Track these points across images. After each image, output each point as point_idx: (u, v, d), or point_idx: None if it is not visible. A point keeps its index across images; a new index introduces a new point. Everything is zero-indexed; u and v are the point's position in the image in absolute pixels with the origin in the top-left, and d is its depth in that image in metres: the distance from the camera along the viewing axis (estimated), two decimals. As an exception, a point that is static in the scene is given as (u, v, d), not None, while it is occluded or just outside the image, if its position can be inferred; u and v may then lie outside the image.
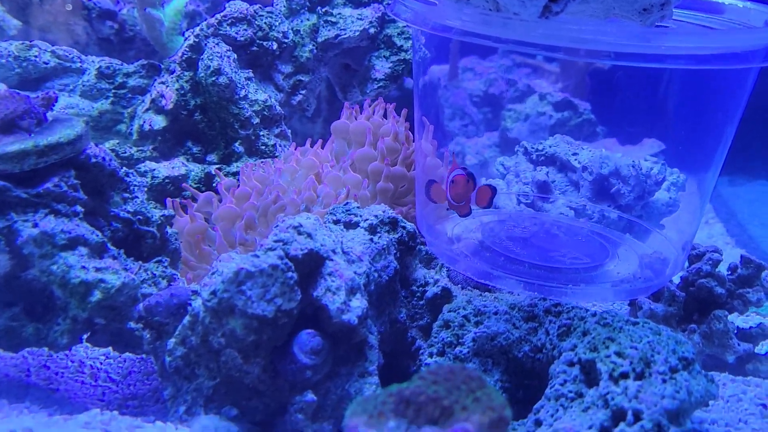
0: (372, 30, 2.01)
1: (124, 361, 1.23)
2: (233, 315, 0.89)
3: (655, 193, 1.78)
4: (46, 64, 1.88)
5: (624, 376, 0.81)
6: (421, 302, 1.17)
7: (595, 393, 0.82)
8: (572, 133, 3.23)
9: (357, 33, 1.97)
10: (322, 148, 1.53)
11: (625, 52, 0.95)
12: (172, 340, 0.97)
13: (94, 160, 1.05)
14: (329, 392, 0.95)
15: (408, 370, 1.13)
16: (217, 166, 1.62)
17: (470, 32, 0.99)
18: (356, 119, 1.46)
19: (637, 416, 0.76)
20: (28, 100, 1.01)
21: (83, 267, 0.95)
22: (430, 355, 1.03)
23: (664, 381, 0.80)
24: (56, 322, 0.97)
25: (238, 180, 1.48)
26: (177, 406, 0.97)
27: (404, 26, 2.14)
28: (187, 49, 1.71)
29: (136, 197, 1.12)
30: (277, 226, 1.04)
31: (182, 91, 1.72)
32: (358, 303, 0.95)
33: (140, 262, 1.09)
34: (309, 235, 0.99)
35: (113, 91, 1.93)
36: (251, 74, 1.78)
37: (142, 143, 1.74)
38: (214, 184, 1.56)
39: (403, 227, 1.17)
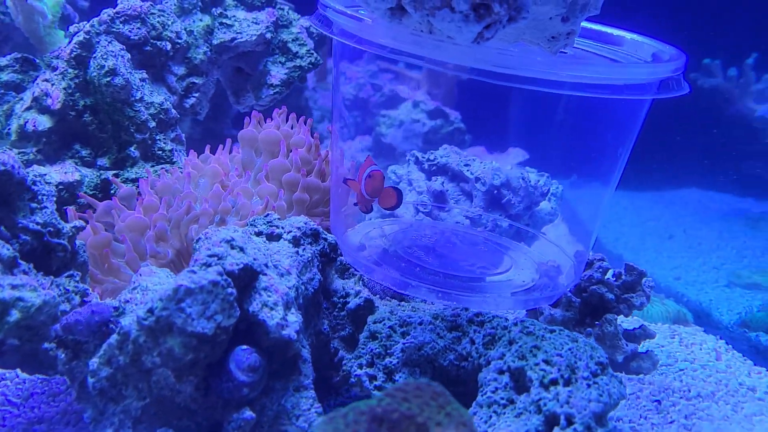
0: (268, 35, 1.99)
1: (23, 383, 1.16)
2: (171, 333, 0.87)
3: (540, 203, 1.90)
4: None
5: (554, 382, 0.87)
6: (343, 313, 1.18)
7: (527, 399, 0.88)
8: (444, 140, 3.37)
9: (254, 37, 1.95)
10: (220, 154, 1.50)
11: (546, 79, 1.01)
12: (96, 360, 0.93)
13: (2, 167, 0.97)
14: (265, 408, 0.94)
15: (331, 380, 1.15)
16: (114, 172, 1.55)
17: (401, 51, 1.03)
18: (254, 128, 1.45)
19: (570, 420, 0.83)
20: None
21: (-2, 285, 0.88)
22: (360, 366, 1.05)
23: (588, 386, 0.87)
24: (-35, 344, 0.90)
25: (138, 188, 1.42)
26: (102, 429, 0.92)
27: (298, 32, 2.14)
28: (76, 46, 1.62)
29: (46, 207, 1.05)
30: (207, 238, 1.02)
31: (70, 90, 1.62)
32: (295, 318, 0.95)
33: (51, 277, 1.02)
34: (241, 249, 0.98)
35: (-17, 85, 1.79)
36: (145, 75, 1.71)
37: (23, 145, 1.62)
38: (112, 192, 1.49)
39: (325, 239, 1.18)
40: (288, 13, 2.15)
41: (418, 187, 2.03)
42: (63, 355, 1.00)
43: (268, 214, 1.17)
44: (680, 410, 1.12)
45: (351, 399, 1.08)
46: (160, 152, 1.65)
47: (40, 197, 1.05)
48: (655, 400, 1.14)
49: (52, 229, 1.04)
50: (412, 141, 3.50)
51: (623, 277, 1.43)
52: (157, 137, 1.65)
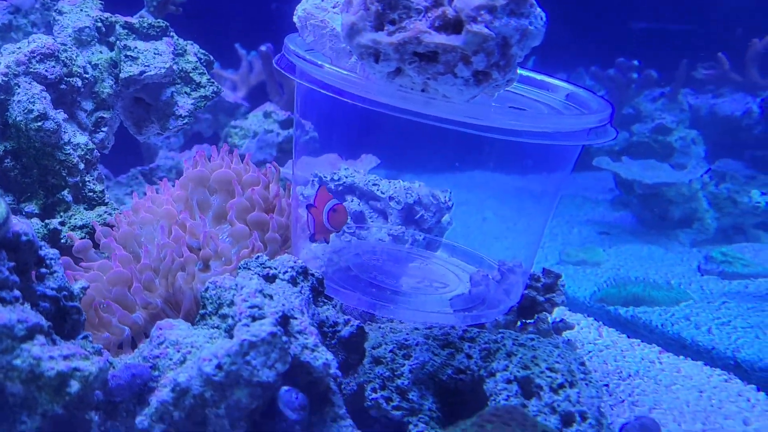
0: (175, 66, 1.98)
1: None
2: (239, 386, 0.92)
3: (444, 216, 2.08)
4: None
5: (562, 386, 1.04)
6: (334, 341, 1.27)
7: (540, 403, 1.04)
8: (303, 149, 3.47)
9: (163, 70, 1.93)
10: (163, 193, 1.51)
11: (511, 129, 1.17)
12: (144, 419, 0.95)
13: (24, 238, 0.95)
14: (310, 440, 1.01)
15: (332, 405, 1.23)
16: (59, 220, 1.48)
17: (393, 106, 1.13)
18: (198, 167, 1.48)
19: (584, 416, 1.00)
20: (-56, 177, 0.89)
21: (51, 357, 0.88)
22: (374, 390, 1.15)
23: (587, 385, 1.05)
24: (20, 420, 0.88)
25: (96, 237, 1.40)
26: (160, 483, 0.95)
27: (196, 62, 2.14)
28: (-6, 90, 1.52)
29: (56, 271, 1.03)
30: (222, 288, 1.06)
31: (-12, 135, 1.53)
32: (331, 356, 1.03)
33: (72, 341, 1.01)
34: (271, 297, 1.05)
35: None
36: (64, 115, 1.65)
37: (-64, 194, 1.50)
38: (63, 241, 1.43)
39: (312, 275, 1.26)
40: (180, 41, 2.13)
41: (329, 209, 2.12)
42: (97, 417, 0.99)
43: (258, 256, 1.22)
44: (623, 390, 1.35)
45: (373, 421, 1.17)
46: (92, 194, 1.60)
47: (48, 261, 1.03)
48: (605, 384, 1.36)
49: (66, 293, 1.03)
50: (266, 151, 3.55)
51: (542, 279, 1.65)
52: (87, 179, 1.60)
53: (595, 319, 1.93)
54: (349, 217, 1.38)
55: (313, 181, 2.27)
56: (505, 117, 1.15)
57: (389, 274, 1.52)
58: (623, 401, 1.31)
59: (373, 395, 1.14)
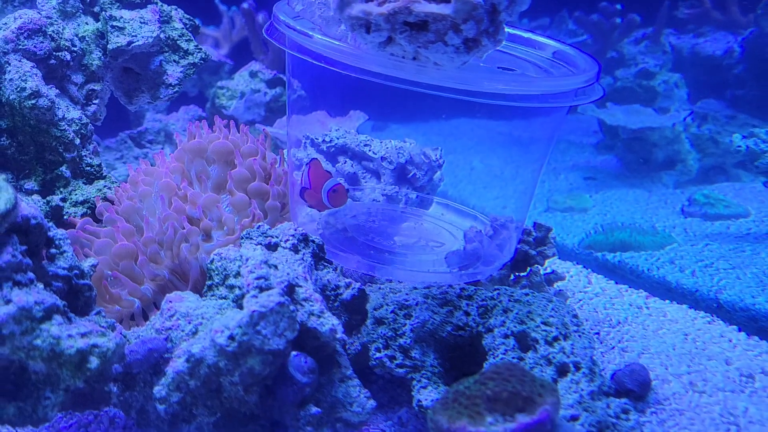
0: (162, 35, 1.96)
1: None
2: (251, 354, 0.95)
3: (436, 173, 2.10)
4: None
5: (557, 339, 1.09)
6: (336, 304, 1.30)
7: (536, 355, 1.09)
8: (292, 108, 3.47)
9: (151, 39, 1.91)
10: (159, 165, 1.52)
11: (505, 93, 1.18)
12: (162, 388, 0.99)
13: (34, 221, 0.97)
14: (320, 402, 1.06)
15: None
16: (61, 197, 1.49)
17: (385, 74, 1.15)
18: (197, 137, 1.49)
19: (578, 366, 1.04)
20: (-48, 167, 0.90)
21: (69, 336, 0.91)
22: (378, 350, 1.19)
23: (580, 336, 1.09)
24: (44, 396, 0.91)
25: (97, 212, 1.41)
26: (180, 448, 0.99)
27: (182, 29, 2.12)
28: (-15, 68, 1.51)
29: (66, 251, 1.05)
30: (227, 259, 1.09)
31: (-18, 114, 1.53)
32: (337, 321, 1.07)
33: (87, 318, 1.04)
34: (276, 267, 1.07)
35: None
36: (57, 90, 1.64)
37: (-64, 175, 1.51)
38: (65, 218, 1.45)
39: (313, 241, 1.29)
40: (165, 7, 2.10)
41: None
42: (116, 389, 1.03)
43: (259, 226, 1.25)
44: (613, 337, 1.40)
45: (377, 378, 1.22)
46: (89, 168, 1.61)
47: (58, 242, 1.05)
48: (595, 333, 1.41)
49: (77, 272, 1.05)
50: (254, 111, 3.54)
51: (534, 233, 1.68)
52: (83, 153, 1.61)
53: (584, 267, 1.97)
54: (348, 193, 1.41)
55: (304, 143, 2.28)
56: (494, 82, 1.17)
57: (385, 235, 1.55)
58: (613, 348, 1.36)
59: (377, 354, 1.18)
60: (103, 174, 1.62)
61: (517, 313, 1.14)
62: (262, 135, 1.57)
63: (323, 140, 2.23)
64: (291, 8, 1.35)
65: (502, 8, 1.03)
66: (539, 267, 1.60)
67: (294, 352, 1.03)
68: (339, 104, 2.36)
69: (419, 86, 1.14)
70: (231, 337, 0.94)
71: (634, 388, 1.14)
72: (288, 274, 1.07)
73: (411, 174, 2.02)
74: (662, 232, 2.10)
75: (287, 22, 1.26)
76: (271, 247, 1.23)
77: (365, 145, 2.13)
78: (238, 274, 1.06)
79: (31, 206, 0.98)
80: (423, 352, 1.19)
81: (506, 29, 1.16)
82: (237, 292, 1.05)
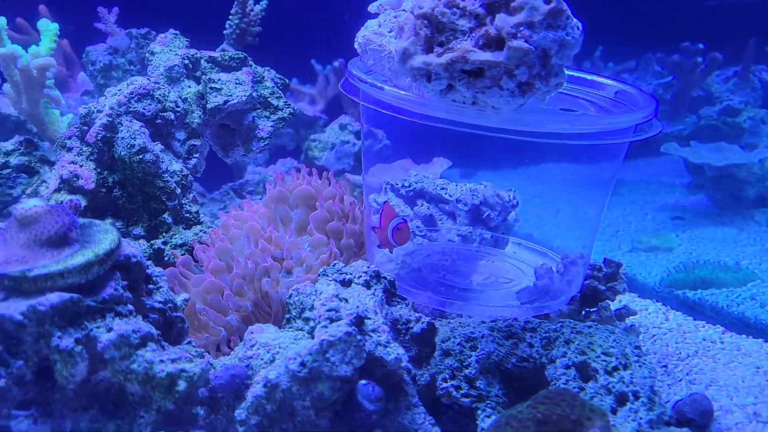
0: (254, 94, 2.11)
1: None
2: (321, 380, 1.00)
3: (510, 213, 2.11)
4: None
5: (616, 369, 1.08)
6: (407, 337, 1.34)
7: (596, 385, 1.08)
8: (374, 157, 3.55)
9: (244, 98, 2.06)
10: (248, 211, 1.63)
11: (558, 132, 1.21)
12: (242, 411, 1.05)
13: (134, 260, 1.07)
14: (387, 428, 1.09)
15: (409, 395, 1.30)
16: (162, 240, 1.63)
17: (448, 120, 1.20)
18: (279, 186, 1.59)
19: (637, 395, 1.03)
20: (66, 211, 1.02)
21: (161, 361, 0.99)
22: (444, 380, 1.21)
23: (640, 366, 1.08)
24: (139, 415, 1.00)
25: (193, 251, 1.53)
26: (258, 467, 1.04)
27: (273, 87, 2.26)
28: (101, 129, 1.68)
29: (161, 287, 1.15)
30: (304, 293, 1.15)
31: (99, 170, 1.69)
32: (402, 350, 1.11)
33: (179, 346, 1.13)
34: (346, 300, 1.13)
35: (-3, 171, 1.81)
36: (161, 146, 1.79)
37: (59, 223, 1.67)
38: (166, 259, 1.57)
39: (385, 278, 1.34)
40: (258, 69, 2.26)
41: (402, 212, 2.20)
42: (203, 412, 1.10)
43: (335, 263, 1.31)
44: (681, 370, 1.36)
45: (446, 408, 1.24)
46: (188, 215, 1.74)
47: (155, 278, 1.15)
48: (663, 366, 1.37)
49: (171, 305, 1.15)
50: (344, 161, 3.65)
51: (604, 269, 1.66)
52: (183, 202, 1.74)
53: (663, 304, 1.92)
54: (411, 234, 1.46)
55: (385, 188, 2.36)
56: (552, 122, 1.20)
57: (458, 273, 1.59)
58: (681, 380, 1.32)
59: (444, 384, 1.20)
60: (200, 220, 1.75)
61: (578, 345, 1.14)
62: (342, 181, 1.65)
63: (402, 185, 2.30)
64: (363, 63, 1.43)
65: (552, 53, 1.06)
66: (609, 302, 1.58)
67: (363, 381, 1.08)
68: (423, 152, 2.43)
69: (480, 129, 1.19)
70: (302, 364, 1.00)
71: (694, 417, 1.10)
72: (357, 307, 1.12)
73: (485, 215, 2.04)
74: (745, 269, 2.02)
75: (360, 76, 1.34)
76: (345, 283, 1.28)
77: (441, 188, 2.18)
78: (312, 307, 1.12)
79: (132, 246, 1.09)
80: (488, 382, 1.20)
81: (566, 72, 1.20)
82: (311, 324, 1.11)
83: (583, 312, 1.61)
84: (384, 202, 1.56)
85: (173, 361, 1.00)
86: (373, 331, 1.10)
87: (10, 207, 1.76)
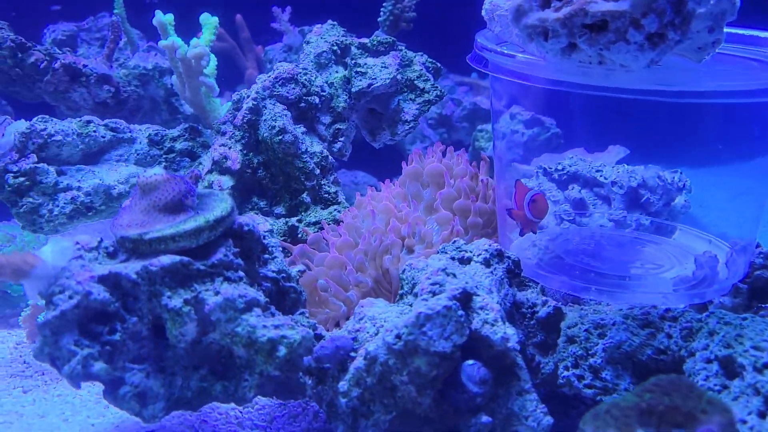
0: (399, 76, 2.11)
1: (263, 408, 1.29)
2: (417, 354, 0.97)
3: (676, 198, 1.92)
4: (103, 137, 1.92)
5: (767, 366, 0.92)
6: (533, 322, 1.26)
7: (742, 383, 0.93)
8: (542, 146, 3.40)
9: (388, 81, 2.07)
10: (385, 191, 1.62)
11: (707, 90, 1.07)
12: (345, 383, 1.04)
13: (246, 228, 1.11)
14: (495, 412, 1.03)
15: (532, 383, 1.22)
16: (297, 218, 1.69)
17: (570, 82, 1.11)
18: (418, 163, 1.56)
19: (792, 398, 0.87)
20: (184, 180, 1.08)
21: (264, 326, 1.01)
22: (566, 368, 1.12)
23: (801, 366, 0.91)
24: (243, 378, 1.03)
25: (323, 229, 1.56)
26: (358, 441, 1.04)
27: (421, 70, 2.25)
28: (247, 112, 1.78)
29: (276, 257, 1.18)
30: (416, 269, 1.12)
31: (245, 151, 1.79)
32: (512, 330, 1.04)
33: (290, 316, 1.15)
34: (454, 275, 1.08)
35: (164, 156, 1.98)
36: (304, 128, 1.85)
37: (211, 202, 1.79)
38: (299, 235, 1.63)
39: (509, 257, 1.27)
40: (407, 53, 2.26)
41: (553, 197, 2.09)
42: (310, 381, 1.12)
43: (455, 241, 1.27)
44: None
45: (562, 398, 1.15)
46: (327, 195, 1.78)
47: (270, 249, 1.19)
48: None
49: (285, 275, 1.17)
50: (513, 151, 3.53)
51: (782, 260, 1.44)
52: (323, 182, 1.79)
53: None
54: (550, 205, 1.36)
55: (537, 172, 2.25)
56: (687, 78, 1.06)
57: (600, 258, 1.46)
58: None
59: (565, 373, 1.11)
60: (339, 200, 1.78)
61: (723, 336, 0.99)
62: (465, 156, 1.59)
63: (555, 169, 2.18)
64: (493, 33, 1.37)
65: (687, -3, 0.93)
66: (786, 297, 1.36)
67: (470, 361, 1.02)
68: (596, 139, 2.29)
69: (609, 91, 1.08)
70: (398, 336, 0.97)
71: None
72: (467, 283, 1.07)
73: (644, 198, 1.87)
74: None
75: (485, 45, 1.28)
76: (464, 261, 1.23)
77: (597, 171, 2.04)
78: (420, 282, 1.09)
79: (247, 216, 1.13)
80: (617, 374, 1.09)
81: (725, 29, 1.06)
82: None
83: (754, 308, 1.42)
84: (516, 181, 1.49)
85: (276, 327, 1.02)
86: (482, 308, 1.04)
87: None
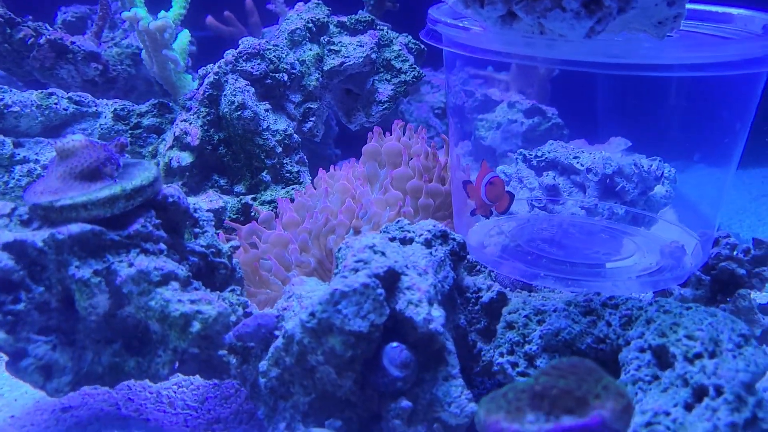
0: (373, 55, 2.07)
1: (198, 388, 1.26)
2: (332, 333, 0.93)
3: (654, 187, 1.86)
4: (66, 110, 1.89)
5: (698, 356, 0.88)
6: (477, 307, 1.22)
7: (672, 374, 0.89)
8: (543, 136, 3.34)
9: (360, 59, 2.03)
10: (344, 170, 1.58)
11: (658, 63, 1.02)
12: (265, 362, 1.01)
13: (171, 199, 1.08)
14: (418, 397, 0.99)
15: (472, 371, 1.19)
16: (252, 196, 1.66)
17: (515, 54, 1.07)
18: (377, 142, 1.52)
19: (719, 390, 0.83)
20: (106, 147, 1.05)
21: (179, 300, 0.98)
22: (501, 354, 1.08)
23: (734, 357, 0.87)
24: (157, 354, 1.00)
25: (277, 209, 1.52)
26: (276, 423, 1.01)
27: (400, 50, 2.21)
28: (208, 87, 1.75)
29: (207, 231, 1.15)
30: (350, 247, 1.08)
31: (206, 127, 1.76)
32: (438, 312, 1.00)
33: (217, 292, 1.12)
34: (383, 253, 1.04)
35: (130, 131, 1.96)
36: (268, 106, 1.82)
37: (170, 180, 1.76)
38: (252, 214, 1.60)
39: (453, 239, 1.22)
40: (388, 33, 2.21)
41: (529, 184, 2.04)
42: (234, 360, 1.09)
43: (399, 220, 1.23)
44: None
45: (496, 386, 1.11)
46: (288, 174, 1.75)
47: (201, 222, 1.15)
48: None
49: (214, 250, 1.14)
50: (511, 141, 3.49)
51: (752, 251, 1.39)
52: (285, 161, 1.75)
53: None
54: (506, 188, 1.31)
55: (516, 158, 2.20)
56: (642, 49, 1.01)
57: (557, 245, 1.42)
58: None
59: (500, 359, 1.07)
60: (300, 180, 1.75)
61: (659, 324, 0.95)
62: (422, 133, 1.54)
63: (534, 155, 2.14)
64: (447, 4, 1.32)
65: (624, -39, 0.89)
66: (748, 291, 1.31)
67: (393, 344, 0.99)
68: (597, 130, 2.24)
69: (554, 63, 1.04)
70: (312, 314, 0.93)
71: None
72: (396, 261, 1.03)
73: (619, 186, 1.82)
74: None
75: (434, 17, 1.24)
76: (406, 241, 1.19)
77: (574, 158, 1.99)
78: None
79: (172, 187, 1.10)
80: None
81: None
82: (345, 276, 1.04)
83: (717, 301, 1.37)
84: (482, 160, 1.44)
85: (193, 302, 0.99)
86: (408, 288, 1.01)
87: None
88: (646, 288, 1.22)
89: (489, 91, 3.74)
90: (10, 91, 1.81)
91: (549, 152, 2.08)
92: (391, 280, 1.01)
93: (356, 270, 0.99)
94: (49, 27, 2.39)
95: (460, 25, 1.11)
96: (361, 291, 0.94)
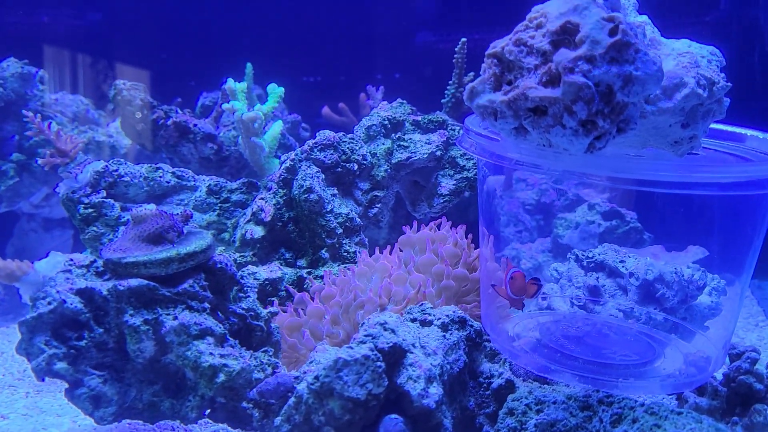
0: (438, 152, 2.18)
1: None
2: (332, 397, 1.00)
3: (697, 297, 1.83)
4: (168, 182, 2.10)
5: (669, 458, 0.87)
6: (488, 392, 1.25)
7: (644, 473, 0.89)
8: (620, 239, 3.29)
9: (426, 155, 2.15)
10: (390, 254, 1.67)
11: (655, 180, 1.06)
12: (279, 418, 1.08)
13: (219, 265, 1.20)
14: (410, 468, 1.03)
15: (476, 452, 1.21)
16: (307, 270, 1.77)
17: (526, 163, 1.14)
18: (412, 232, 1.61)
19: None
20: (171, 217, 1.19)
21: (210, 353, 1.09)
22: (497, 438, 1.10)
23: (704, 464, 0.86)
24: (188, 399, 1.10)
25: (323, 282, 1.62)
26: (281, 475, 1.07)
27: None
28: (284, 171, 1.91)
29: (249, 296, 1.26)
30: (363, 323, 1.16)
31: (278, 206, 1.91)
32: (435, 390, 1.05)
33: (251, 351, 1.22)
34: (393, 331, 1.11)
35: (219, 205, 2.14)
36: (336, 191, 1.95)
37: (244, 250, 1.91)
38: (305, 286, 1.70)
39: (471, 325, 1.28)
40: (458, 133, 2.33)
41: (576, 283, 2.05)
42: (257, 414, 1.17)
43: (422, 304, 1.30)
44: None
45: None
46: (346, 254, 1.85)
47: (245, 288, 1.27)
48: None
49: (252, 314, 1.25)
50: (588, 242, 3.46)
51: (776, 369, 1.35)
52: (344, 241, 1.86)
53: None
54: (526, 280, 1.35)
55: (569, 257, 2.22)
56: (643, 166, 1.05)
57: (579, 343, 1.42)
58: None
59: (495, 443, 1.09)
60: (356, 260, 1.85)
61: (641, 425, 0.95)
62: (460, 228, 1.61)
63: (586, 256, 2.15)
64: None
65: (616, 89, 0.95)
66: (766, 407, 1.27)
67: (392, 415, 1.04)
68: (675, 237, 2.24)
69: (555, 173, 1.10)
70: (316, 377, 1.01)
71: None
72: (404, 339, 1.09)
73: (659, 293, 1.80)
74: None
75: (469, 127, 1.32)
76: (425, 323, 1.26)
77: (620, 261, 1.98)
78: (363, 333, 1.13)
79: (223, 255, 1.22)
80: (544, 452, 1.06)
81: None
82: (359, 348, 1.11)
83: (734, 415, 1.32)
84: (503, 257, 1.49)
85: (222, 356, 1.09)
86: (411, 365, 1.06)
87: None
88: (653, 391, 1.21)
89: (584, 191, 3.75)
90: (125, 163, 2.05)
91: (599, 254, 2.09)
92: (396, 355, 1.07)
93: (363, 343, 1.06)
94: (179, 110, 2.67)
95: (487, 134, 1.20)
96: (361, 361, 1.01)
